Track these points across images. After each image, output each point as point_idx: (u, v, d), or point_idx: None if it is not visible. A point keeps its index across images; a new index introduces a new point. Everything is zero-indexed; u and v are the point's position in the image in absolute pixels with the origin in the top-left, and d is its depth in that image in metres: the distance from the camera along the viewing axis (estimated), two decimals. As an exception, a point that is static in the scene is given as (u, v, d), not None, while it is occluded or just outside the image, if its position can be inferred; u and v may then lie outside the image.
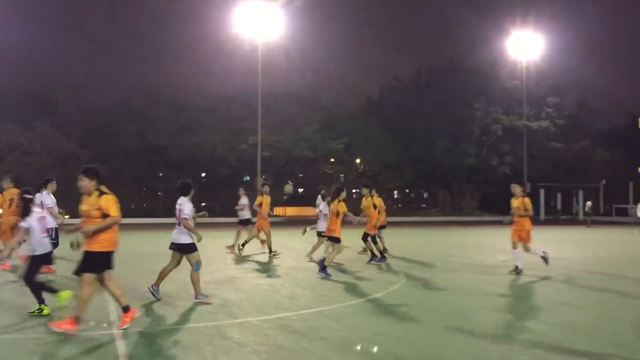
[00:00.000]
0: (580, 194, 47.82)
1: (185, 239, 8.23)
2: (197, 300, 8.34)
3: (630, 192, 45.82)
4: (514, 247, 11.65)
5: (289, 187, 67.80)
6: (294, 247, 17.54)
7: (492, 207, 49.13)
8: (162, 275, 8.60)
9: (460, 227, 32.78)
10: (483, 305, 8.33)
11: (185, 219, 8.12)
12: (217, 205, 54.61)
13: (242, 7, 36.89)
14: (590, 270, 12.48)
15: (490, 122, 45.92)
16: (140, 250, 16.40)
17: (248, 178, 50.10)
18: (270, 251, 14.76)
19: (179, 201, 8.39)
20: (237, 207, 16.17)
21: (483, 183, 49.73)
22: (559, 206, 49.18)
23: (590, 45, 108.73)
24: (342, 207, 11.31)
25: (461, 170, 47.26)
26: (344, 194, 11.55)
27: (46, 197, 11.03)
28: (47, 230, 10.26)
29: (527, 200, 11.68)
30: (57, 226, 11.10)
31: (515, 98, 47.30)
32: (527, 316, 7.63)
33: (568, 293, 9.58)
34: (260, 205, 14.84)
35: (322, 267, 10.98)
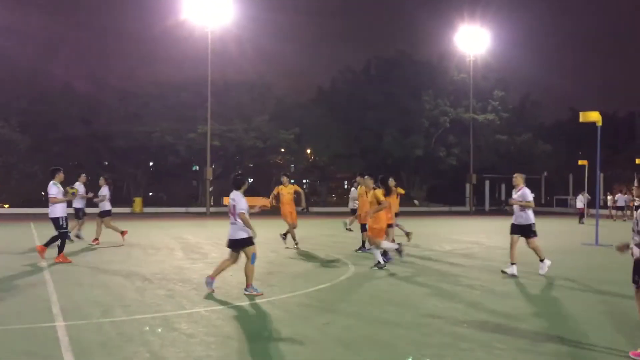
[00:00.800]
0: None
1: (242, 234, 8.08)
2: (246, 293, 8.17)
3: (570, 183, 47.53)
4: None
5: (238, 177, 67.22)
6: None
7: (439, 197, 50.16)
8: (218, 269, 8.44)
9: (409, 217, 33.30)
10: (429, 293, 8.49)
11: (243, 213, 7.97)
12: (166, 195, 53.73)
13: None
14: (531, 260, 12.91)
15: (439, 114, 46.70)
16: (83, 242, 15.92)
17: (197, 167, 49.42)
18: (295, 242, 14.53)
19: (232, 196, 8.21)
20: (96, 200, 15.37)
21: (431, 174, 50.62)
22: (503, 197, 50.63)
23: (535, 42, 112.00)
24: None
25: (410, 161, 47.94)
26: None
27: (52, 187, 11.17)
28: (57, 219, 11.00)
29: (379, 192, 10.77)
30: (66, 215, 11.29)
31: (462, 91, 48.23)
32: (471, 304, 7.81)
33: (509, 282, 9.87)
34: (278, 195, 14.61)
35: (399, 250, 11.15)
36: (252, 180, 69.77)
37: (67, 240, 11.81)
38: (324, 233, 19.19)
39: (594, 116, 16.30)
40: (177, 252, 13.70)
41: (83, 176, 16.09)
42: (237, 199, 8.10)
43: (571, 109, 57.53)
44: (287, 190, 14.56)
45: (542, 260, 10.37)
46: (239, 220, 8.02)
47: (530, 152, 49.67)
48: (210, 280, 8.39)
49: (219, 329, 6.29)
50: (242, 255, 8.32)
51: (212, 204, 42.60)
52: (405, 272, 10.75)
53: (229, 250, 8.38)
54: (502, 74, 52.55)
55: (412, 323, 6.64)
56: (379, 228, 10.77)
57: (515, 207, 10.32)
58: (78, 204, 15.47)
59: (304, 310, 7.30)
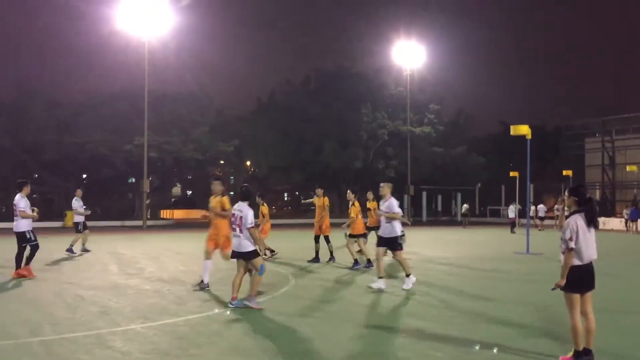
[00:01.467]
0: (459, 196, 50.72)
1: (248, 246, 7.97)
2: (246, 303, 8.01)
3: (502, 194, 49.21)
4: (207, 256, 9.79)
5: (177, 190, 66.06)
6: (181, 251, 17.09)
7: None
8: (236, 287, 8.18)
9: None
10: (368, 304, 8.55)
11: (252, 227, 7.94)
12: (100, 208, 52.02)
13: (127, 2, 35.36)
14: (468, 266, 13.23)
15: (377, 127, 47.45)
16: (10, 258, 15.18)
17: (134, 180, 48.18)
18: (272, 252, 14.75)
19: (238, 207, 8.11)
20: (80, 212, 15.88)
21: (370, 185, 51.28)
22: (439, 208, 51.80)
23: (467, 58, 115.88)
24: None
25: (349, 173, 48.42)
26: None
27: (20, 200, 11.01)
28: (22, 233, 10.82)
29: (226, 199, 9.78)
30: (32, 228, 11.27)
31: (400, 104, 49.23)
32: (408, 314, 7.92)
33: (444, 291, 10.07)
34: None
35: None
36: (190, 192, 68.77)
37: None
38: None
39: (524, 130, 16.97)
40: (112, 267, 13.26)
41: (79, 191, 16.55)
42: (245, 211, 8.02)
43: (502, 122, 59.76)
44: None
45: (407, 275, 9.79)
46: (244, 232, 7.95)
47: (464, 164, 51.19)
48: (233, 301, 8.12)
49: (155, 346, 6.10)
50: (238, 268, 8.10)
51: (149, 217, 41.55)
52: (344, 283, 10.81)
53: (235, 261, 8.29)
54: (437, 88, 54.08)
55: (352, 334, 6.65)
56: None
57: (382, 219, 9.88)
58: (77, 218, 15.97)
59: (244, 324, 7.19)
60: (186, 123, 44.07)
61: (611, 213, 42.05)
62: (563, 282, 5.41)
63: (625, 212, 33.13)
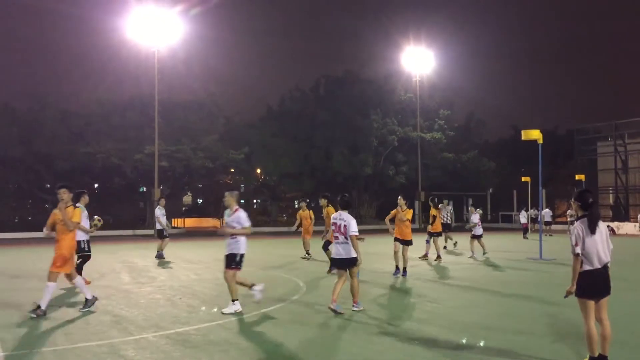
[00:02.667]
0: (470, 201, 50.47)
1: (353, 253, 8.24)
2: (354, 309, 8.37)
3: (514, 199, 48.92)
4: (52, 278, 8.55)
5: (187, 198, 66.31)
6: (193, 260, 17.11)
7: (388, 214, 50.61)
8: (337, 291, 8.33)
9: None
10: (380, 311, 8.52)
11: (356, 236, 8.21)
12: (111, 217, 52.31)
13: (137, 12, 35.69)
14: (480, 272, 13.16)
15: (387, 132, 47.36)
16: (24, 267, 15.30)
17: (144, 189, 48.38)
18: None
19: (342, 216, 8.38)
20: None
21: (380, 192, 51.18)
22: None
23: (477, 63, 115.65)
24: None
25: (359, 179, 48.34)
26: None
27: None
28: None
29: (76, 211, 8.93)
30: (88, 238, 11.56)
31: (409, 110, 49.16)
32: (421, 320, 7.87)
33: (458, 297, 10.02)
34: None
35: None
36: (201, 201, 68.98)
37: None
38: (275, 253, 19.03)
39: (535, 134, 16.88)
40: (124, 276, 13.31)
41: (163, 201, 17.50)
42: (348, 220, 8.27)
43: (513, 127, 59.49)
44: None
45: (233, 301, 8.46)
46: (348, 240, 8.20)
47: (476, 169, 50.92)
48: (334, 304, 8.21)
49: (167, 355, 6.11)
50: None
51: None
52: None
53: (337, 270, 8.57)
54: (447, 93, 53.90)
55: (364, 341, 6.63)
56: None
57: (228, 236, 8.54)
58: (159, 225, 16.77)
59: (255, 332, 7.19)
60: (196, 131, 44.22)
61: (625, 218, 41.64)
62: (573, 289, 5.36)
63: (640, 216, 32.83)
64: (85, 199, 11.53)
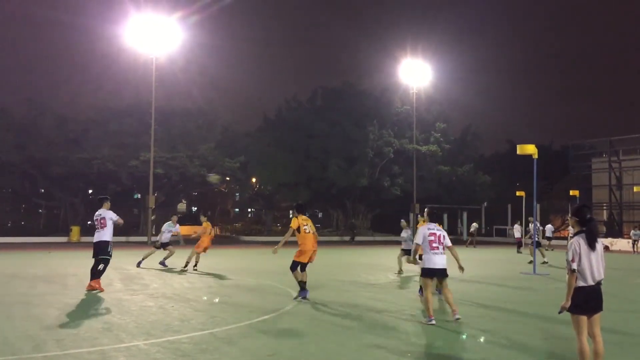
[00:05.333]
0: (465, 215, 50.52)
1: (446, 264, 8.59)
2: (457, 317, 8.55)
3: (508, 213, 49.01)
4: None
5: (182, 206, 66.17)
6: (186, 268, 17.02)
7: (384, 226, 50.68)
8: (429, 303, 8.56)
9: (354, 247, 33.47)
10: (373, 323, 8.49)
11: (453, 247, 8.77)
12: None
13: (136, 20, 35.78)
14: (473, 286, 13.14)
15: (383, 144, 47.48)
16: (16, 272, 15.21)
17: (139, 195, 48.28)
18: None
19: (436, 227, 8.78)
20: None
21: (375, 203, 51.20)
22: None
23: (474, 77, 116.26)
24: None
25: (355, 190, 48.37)
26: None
27: (107, 212, 11.92)
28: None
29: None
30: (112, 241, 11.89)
31: (406, 122, 49.32)
32: (415, 333, 7.85)
33: (449, 311, 10.01)
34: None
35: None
36: (195, 208, 68.81)
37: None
38: (269, 262, 18.98)
39: (531, 149, 16.95)
40: (116, 283, 13.24)
41: (175, 218, 18.40)
42: (443, 232, 8.80)
43: (508, 141, 59.69)
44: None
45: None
46: (445, 251, 8.63)
47: (471, 182, 51.03)
48: (430, 318, 8.41)
49: (158, 363, 6.06)
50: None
51: (154, 233, 41.54)
52: (349, 301, 10.74)
53: (432, 280, 8.74)
54: (443, 106, 54.17)
55: (357, 353, 6.60)
56: None
57: None
58: (166, 238, 17.20)
59: (247, 342, 7.15)
60: (193, 139, 44.25)
61: (618, 234, 41.74)
62: (568, 304, 5.36)
63: (634, 232, 32.88)
64: (107, 204, 12.18)
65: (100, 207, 12.07)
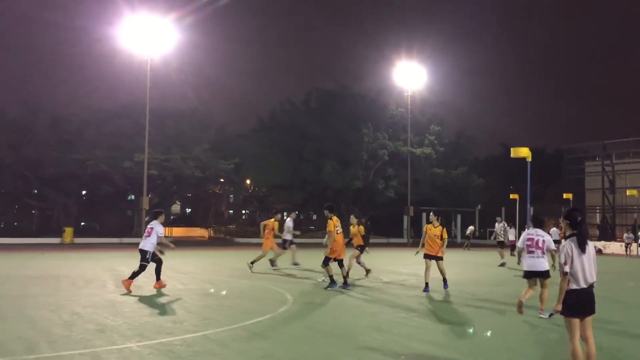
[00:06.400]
0: (459, 217, 50.61)
1: (546, 265, 9.40)
2: (542, 316, 9.25)
3: (502, 216, 49.04)
4: None
5: (176, 207, 66.04)
6: (179, 270, 17.01)
7: (378, 229, 50.70)
8: (544, 299, 9.43)
9: (347, 249, 33.37)
10: (367, 325, 8.49)
11: (555, 250, 9.78)
12: (99, 225, 51.95)
13: (130, 20, 35.71)
14: (467, 289, 13.17)
15: (378, 147, 47.52)
16: (8, 273, 15.13)
17: (133, 197, 48.15)
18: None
19: (537, 233, 9.40)
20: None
21: (370, 205, 51.22)
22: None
23: (468, 80, 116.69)
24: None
25: (349, 193, 48.37)
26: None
27: (158, 225, 12.51)
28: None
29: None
30: (153, 251, 12.39)
31: (401, 125, 49.38)
32: (409, 336, 7.86)
33: (446, 312, 10.02)
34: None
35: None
36: (189, 210, 68.64)
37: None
38: (263, 265, 18.97)
39: (524, 152, 17.02)
40: (110, 284, 13.18)
41: (293, 214, 19.51)
42: (546, 237, 9.41)
43: (502, 144, 59.90)
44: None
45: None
46: (544, 255, 9.33)
47: (465, 185, 51.13)
48: (543, 313, 9.32)
49: (151, 365, 6.04)
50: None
51: (147, 234, 41.42)
52: (343, 304, 10.75)
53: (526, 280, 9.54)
54: (438, 109, 54.28)
55: (351, 356, 6.60)
56: None
57: None
58: (288, 236, 17.85)
59: (240, 344, 7.14)
60: (187, 140, 44.16)
61: (611, 237, 41.92)
62: (559, 307, 5.38)
63: (626, 236, 33.03)
64: (162, 218, 12.91)
65: (154, 219, 12.83)
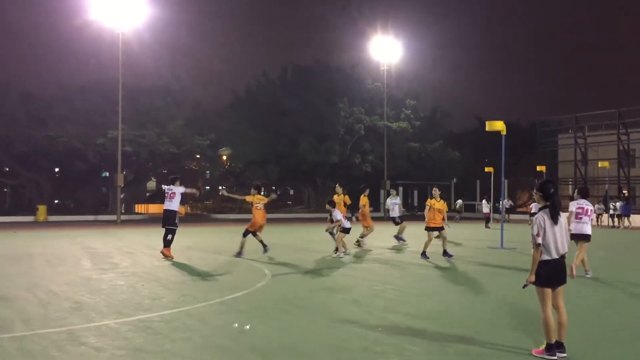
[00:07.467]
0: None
1: (590, 230, 10.68)
2: (588, 276, 10.70)
3: (477, 189, 49.72)
4: None
5: (152, 184, 65.43)
6: (156, 246, 16.92)
7: (354, 203, 50.92)
8: (584, 262, 10.82)
9: (325, 223, 33.51)
10: (344, 298, 8.59)
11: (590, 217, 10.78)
12: (73, 202, 51.27)
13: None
14: (442, 261, 13.37)
15: (354, 121, 47.51)
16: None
17: (107, 174, 47.53)
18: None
19: (586, 202, 10.79)
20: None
21: (346, 180, 51.37)
22: (415, 202, 52.15)
23: (443, 54, 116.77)
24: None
25: (325, 167, 48.42)
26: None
27: (178, 187, 13.61)
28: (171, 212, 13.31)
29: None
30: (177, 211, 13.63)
31: (377, 99, 49.37)
32: (385, 308, 7.97)
33: (421, 285, 10.17)
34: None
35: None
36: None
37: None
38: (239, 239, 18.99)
39: (499, 125, 17.15)
40: (85, 262, 13.09)
41: (394, 191, 20.13)
42: (590, 204, 10.94)
43: (477, 118, 60.31)
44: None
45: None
46: (589, 221, 10.67)
47: (440, 159, 51.53)
48: (589, 272, 10.84)
49: (129, 342, 6.04)
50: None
51: (123, 211, 41.07)
52: (320, 279, 10.84)
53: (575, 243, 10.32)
54: (414, 83, 54.36)
55: (328, 329, 6.68)
56: None
57: None
58: (395, 213, 18.62)
59: (219, 319, 7.17)
60: (161, 116, 43.57)
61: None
62: (533, 278, 5.49)
63: (597, 207, 33.66)
64: (178, 183, 13.74)
65: (172, 184, 13.63)
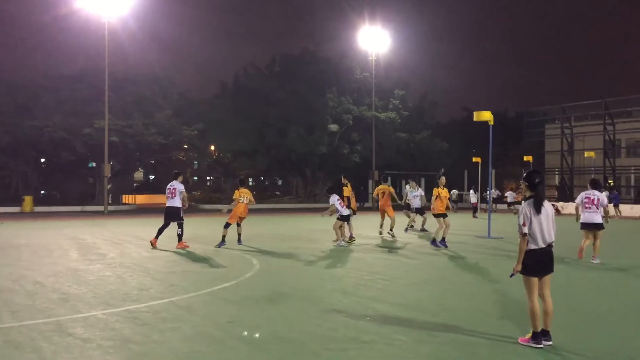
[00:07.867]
0: (422, 181, 51.27)
1: (600, 219, 11.29)
2: (594, 262, 11.29)
3: (465, 179, 49.92)
4: None
5: (139, 174, 65.09)
6: (144, 237, 16.87)
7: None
8: (596, 247, 11.41)
9: (313, 214, 33.58)
10: (332, 288, 8.61)
11: (606, 206, 11.57)
12: (59, 193, 50.86)
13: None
14: (429, 251, 13.44)
15: (342, 111, 47.43)
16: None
17: (94, 164, 47.17)
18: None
19: (594, 193, 11.34)
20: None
21: (335, 170, 51.40)
22: (403, 192, 52.33)
23: (432, 46, 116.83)
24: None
25: (314, 158, 48.37)
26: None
27: (179, 185, 13.94)
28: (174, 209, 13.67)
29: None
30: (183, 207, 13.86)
31: (365, 89, 49.29)
32: (374, 297, 8.00)
33: (410, 275, 10.23)
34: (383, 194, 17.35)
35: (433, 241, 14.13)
36: (153, 177, 67.74)
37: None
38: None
39: (486, 115, 17.22)
40: (72, 253, 13.01)
41: (413, 183, 19.66)
42: (601, 196, 11.32)
43: (465, 108, 60.54)
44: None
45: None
46: (599, 210, 11.25)
47: (428, 149, 51.67)
48: (596, 258, 11.31)
49: (117, 332, 6.03)
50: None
51: (110, 202, 40.81)
52: (308, 269, 10.86)
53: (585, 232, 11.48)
54: (402, 73, 54.39)
55: (317, 319, 6.70)
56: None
57: None
58: (416, 203, 18.81)
59: (207, 310, 7.17)
60: (148, 106, 43.24)
61: (570, 198, 43.11)
62: (519, 267, 5.55)
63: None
64: (181, 178, 14.34)
65: (175, 179, 14.01)
